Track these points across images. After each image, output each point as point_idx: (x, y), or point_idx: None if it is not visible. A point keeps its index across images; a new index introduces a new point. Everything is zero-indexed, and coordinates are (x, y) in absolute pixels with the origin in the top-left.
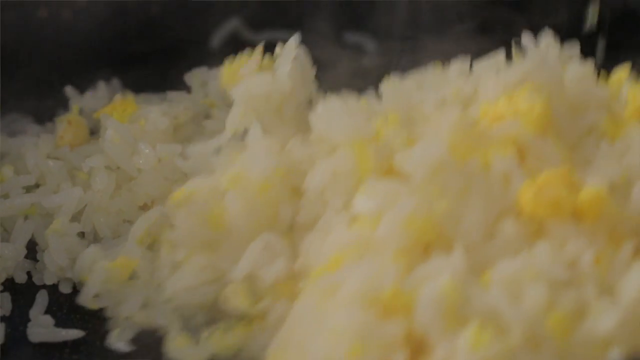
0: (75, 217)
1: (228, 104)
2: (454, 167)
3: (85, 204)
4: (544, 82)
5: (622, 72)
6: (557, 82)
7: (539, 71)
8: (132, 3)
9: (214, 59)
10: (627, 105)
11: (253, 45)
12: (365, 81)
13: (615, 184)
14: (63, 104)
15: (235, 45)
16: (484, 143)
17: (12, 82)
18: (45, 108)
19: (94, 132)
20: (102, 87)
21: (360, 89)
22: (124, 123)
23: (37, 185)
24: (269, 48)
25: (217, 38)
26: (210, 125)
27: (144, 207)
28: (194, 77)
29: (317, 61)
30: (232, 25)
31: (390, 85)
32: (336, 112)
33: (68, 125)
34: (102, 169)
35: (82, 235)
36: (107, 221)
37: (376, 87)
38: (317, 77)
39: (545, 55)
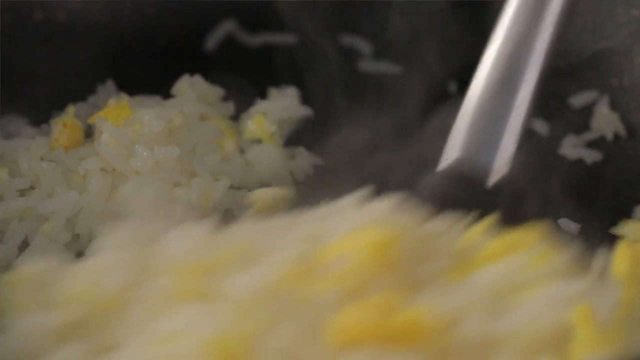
0: (71, 220)
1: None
2: (276, 294)
3: (80, 207)
4: (396, 221)
5: (486, 222)
6: (410, 224)
7: (394, 211)
8: (127, 5)
9: (209, 61)
10: (481, 251)
11: (248, 48)
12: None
13: (447, 316)
14: (59, 106)
15: (231, 48)
16: (317, 274)
17: (8, 84)
18: (41, 110)
19: (89, 135)
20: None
21: (354, 93)
22: (118, 127)
23: (32, 188)
24: (264, 51)
25: (213, 40)
26: (204, 127)
27: None
28: (180, 85)
29: (311, 63)
30: (227, 27)
31: (243, 224)
32: (177, 238)
33: (63, 127)
34: (97, 171)
35: (77, 237)
36: (103, 223)
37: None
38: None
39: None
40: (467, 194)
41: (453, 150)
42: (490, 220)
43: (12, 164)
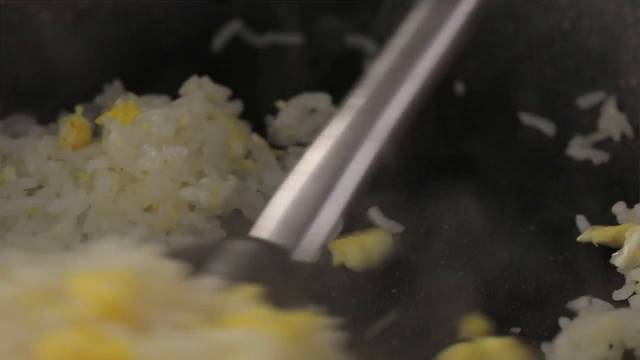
0: (80, 218)
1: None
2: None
3: (89, 206)
4: (138, 272)
5: (249, 291)
6: (155, 275)
7: (138, 261)
8: (135, 6)
9: (216, 61)
10: (232, 315)
11: (255, 48)
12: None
13: (154, 357)
14: (66, 106)
15: (238, 48)
16: (51, 302)
17: (16, 84)
18: (48, 110)
19: (96, 134)
20: (106, 90)
21: None
22: (127, 127)
23: (40, 187)
24: (271, 51)
25: (220, 40)
26: (212, 127)
27: (150, 209)
28: (188, 86)
29: (318, 63)
30: (234, 27)
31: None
32: None
33: (71, 127)
34: (105, 170)
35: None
36: (112, 223)
37: None
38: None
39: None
40: (265, 267)
41: (262, 229)
42: (253, 290)
43: (19, 164)
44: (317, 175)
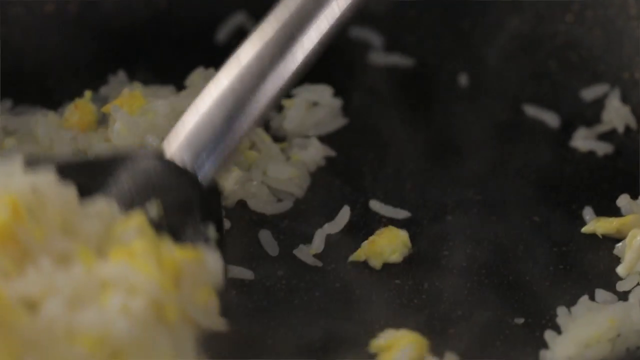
0: None
1: None
2: None
3: None
4: (27, 196)
5: (138, 219)
6: (47, 200)
7: (29, 184)
8: None
9: (220, 52)
10: (122, 245)
11: None
12: (369, 77)
13: (30, 294)
14: (70, 98)
15: (242, 39)
16: None
17: (20, 76)
18: (52, 102)
19: (101, 123)
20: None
21: (364, 85)
22: (133, 116)
23: None
24: None
25: (224, 32)
26: None
27: None
28: (194, 78)
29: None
30: (238, 19)
31: None
32: None
33: (74, 109)
34: None
35: None
36: None
37: None
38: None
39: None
40: (163, 186)
41: (166, 146)
42: (140, 218)
43: (25, 136)
44: (223, 99)
